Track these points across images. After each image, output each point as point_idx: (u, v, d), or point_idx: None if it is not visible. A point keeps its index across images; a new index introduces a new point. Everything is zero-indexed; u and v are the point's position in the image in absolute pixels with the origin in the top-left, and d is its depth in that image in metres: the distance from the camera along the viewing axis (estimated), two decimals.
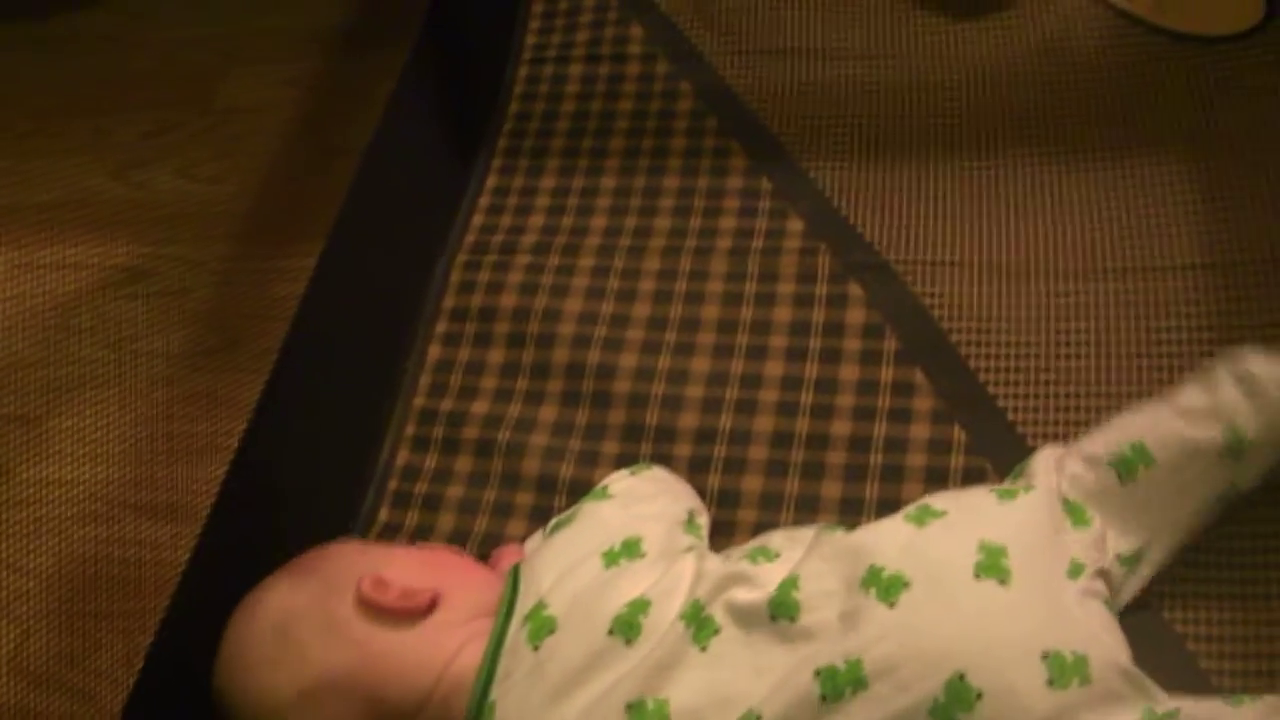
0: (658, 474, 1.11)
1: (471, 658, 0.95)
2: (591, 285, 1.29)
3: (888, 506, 1.07)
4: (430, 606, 0.98)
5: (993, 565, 0.87)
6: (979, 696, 0.82)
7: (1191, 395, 0.97)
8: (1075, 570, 0.90)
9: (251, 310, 1.60)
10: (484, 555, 1.13)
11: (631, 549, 0.98)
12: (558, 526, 1.04)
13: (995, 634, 0.84)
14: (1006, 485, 0.99)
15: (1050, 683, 0.82)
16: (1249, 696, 0.87)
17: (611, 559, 0.97)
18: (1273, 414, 0.95)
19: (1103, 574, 0.93)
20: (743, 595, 0.91)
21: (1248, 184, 1.20)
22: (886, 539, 0.91)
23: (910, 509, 0.95)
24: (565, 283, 1.30)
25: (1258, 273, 1.14)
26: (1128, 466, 0.96)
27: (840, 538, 0.94)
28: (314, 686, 0.94)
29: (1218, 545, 0.98)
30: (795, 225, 1.29)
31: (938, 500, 0.96)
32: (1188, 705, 0.86)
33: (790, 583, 0.90)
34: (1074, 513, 0.95)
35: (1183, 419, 0.96)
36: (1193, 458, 0.95)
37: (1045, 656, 0.83)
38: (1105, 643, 0.86)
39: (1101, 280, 1.18)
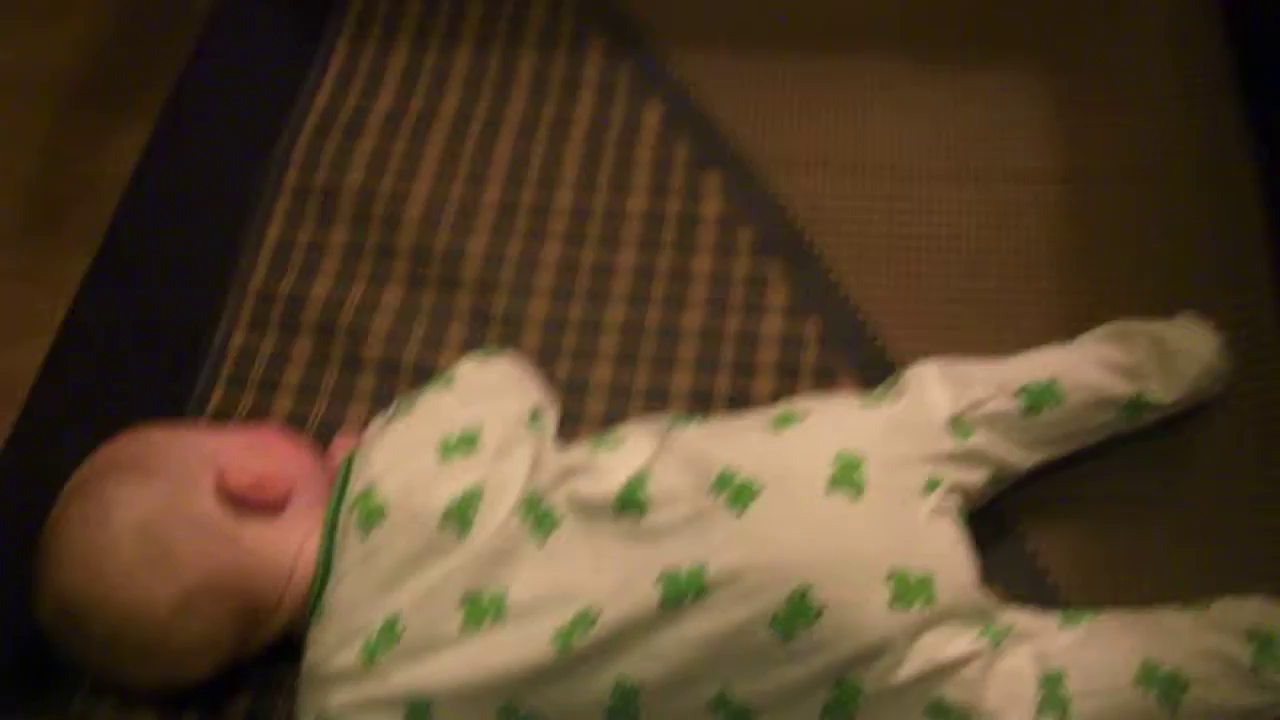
0: (507, 364, 1.08)
1: (312, 550, 0.93)
2: (440, 169, 1.25)
3: (738, 400, 1.08)
4: (288, 497, 0.94)
5: (846, 478, 0.86)
6: (820, 613, 0.82)
7: (1111, 350, 0.98)
8: (931, 485, 0.90)
9: (77, 187, 1.53)
10: (323, 440, 1.09)
11: (469, 442, 0.95)
12: (395, 414, 1.00)
13: (842, 551, 0.84)
14: (874, 392, 0.98)
15: (893, 601, 0.82)
16: (1087, 615, 0.90)
17: (447, 451, 0.95)
18: (1179, 386, 0.97)
19: (959, 488, 0.92)
20: (586, 488, 0.89)
21: (1099, 93, 1.21)
22: (741, 442, 0.90)
23: (772, 411, 0.94)
24: (413, 165, 1.25)
25: (1102, 185, 1.16)
26: (1035, 401, 0.95)
27: (694, 437, 0.92)
28: (191, 590, 0.89)
29: (1078, 463, 1.00)
30: (653, 116, 1.26)
31: (800, 403, 0.95)
32: (1022, 621, 0.88)
33: (639, 479, 0.88)
34: (959, 428, 0.94)
35: (1099, 370, 0.97)
36: (1098, 408, 0.96)
37: (891, 576, 0.83)
38: (952, 562, 0.87)
39: (953, 184, 1.18)
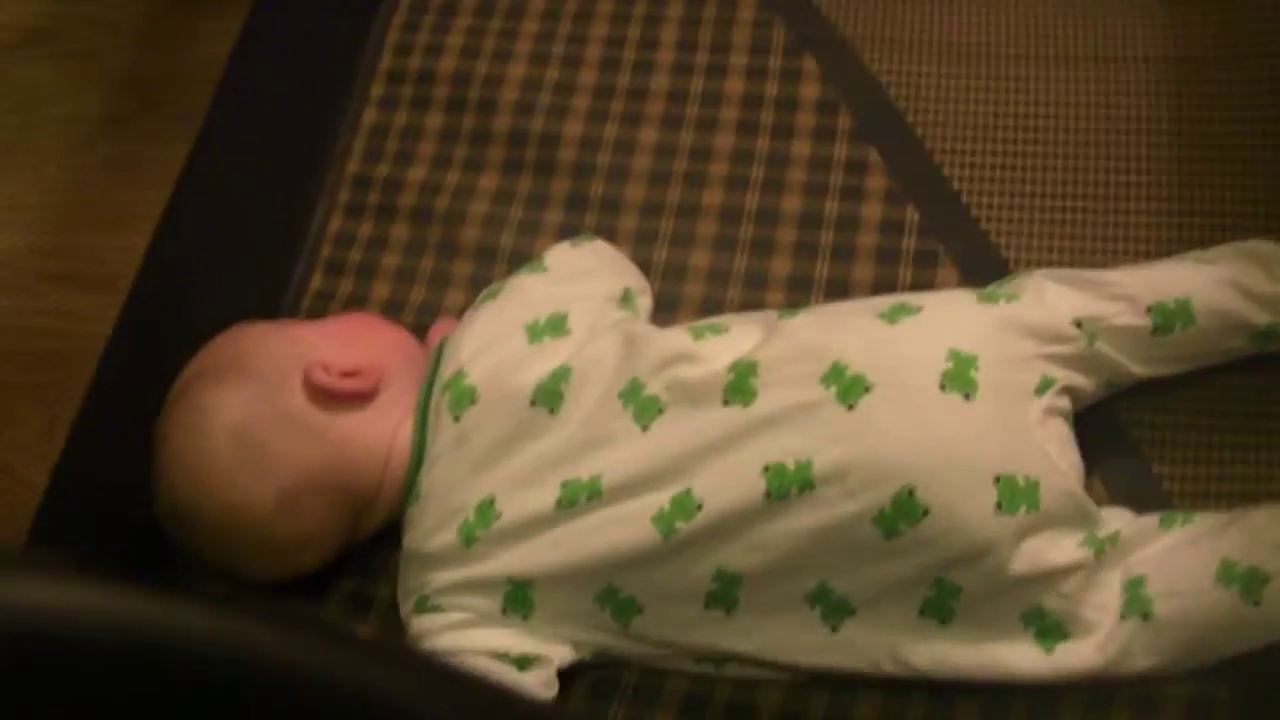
0: (600, 247, 1.07)
1: (406, 436, 0.94)
2: (535, 50, 1.23)
3: (837, 286, 1.06)
4: (377, 386, 0.95)
5: (960, 376, 0.84)
6: (925, 513, 0.81)
7: (1250, 274, 0.93)
8: (1044, 385, 0.88)
9: (172, 72, 1.53)
10: (420, 325, 1.10)
11: (557, 325, 0.95)
12: (485, 298, 1.00)
13: (951, 452, 0.83)
14: (992, 288, 0.95)
15: (999, 506, 0.81)
16: (1180, 518, 0.88)
17: (535, 334, 0.95)
18: None
19: (1071, 390, 0.90)
20: (691, 373, 0.88)
21: None
22: (853, 333, 0.89)
23: (884, 303, 0.92)
24: (508, 47, 1.24)
25: (1217, 69, 1.12)
26: (1167, 320, 0.92)
27: (803, 325, 0.91)
28: (290, 488, 0.91)
29: None
30: None
31: (916, 297, 0.93)
32: (1124, 527, 0.87)
33: (748, 365, 0.87)
34: (1082, 329, 0.91)
35: (1238, 295, 0.92)
36: (1230, 333, 0.93)
37: (998, 480, 0.82)
38: (1059, 468, 0.85)
39: (1061, 66, 1.15)
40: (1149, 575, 0.84)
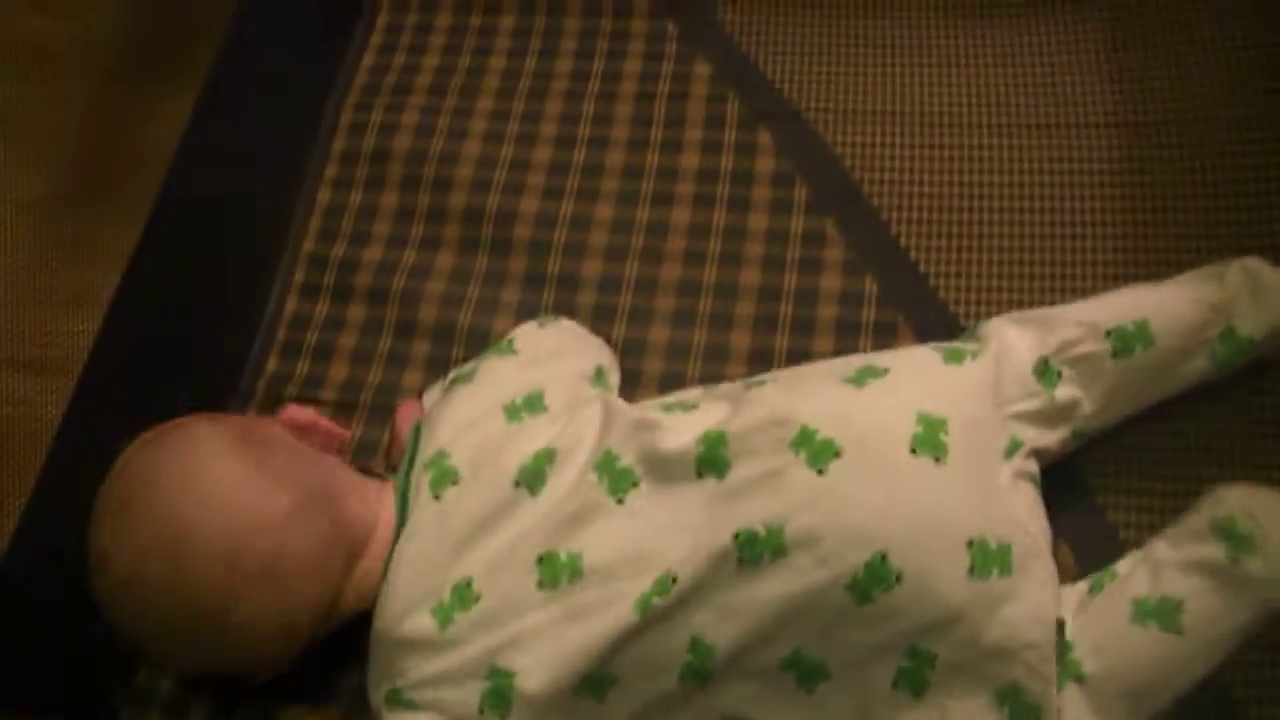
0: (566, 326, 1.07)
1: (390, 511, 0.92)
2: (490, 129, 1.23)
3: (797, 358, 1.06)
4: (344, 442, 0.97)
5: (930, 440, 0.84)
6: (898, 579, 0.80)
7: (1201, 286, 0.94)
8: (1013, 448, 0.88)
9: (125, 154, 1.52)
10: (378, 405, 1.09)
11: (534, 403, 0.94)
12: (456, 382, 0.99)
13: (924, 517, 0.82)
14: (955, 345, 0.94)
15: (971, 571, 0.81)
16: (1108, 574, 0.88)
17: (514, 414, 0.93)
18: (1269, 322, 0.93)
19: (1039, 451, 0.90)
20: (665, 445, 0.87)
21: (1162, 43, 1.18)
22: (820, 397, 0.88)
23: (850, 366, 0.91)
24: (462, 125, 1.24)
25: (1169, 133, 1.13)
26: (1126, 342, 0.92)
27: (770, 393, 0.90)
28: (298, 499, 0.88)
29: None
30: (703, 70, 1.24)
31: (881, 358, 0.92)
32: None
33: (718, 439, 0.86)
34: (1044, 374, 0.91)
35: (1193, 305, 0.93)
36: (1189, 350, 0.93)
37: (970, 544, 0.81)
38: (1030, 531, 0.85)
39: (1014, 134, 1.16)
40: (1074, 640, 0.84)
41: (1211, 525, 0.84)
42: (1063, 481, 0.94)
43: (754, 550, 0.82)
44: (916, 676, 0.82)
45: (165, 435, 0.91)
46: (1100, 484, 0.97)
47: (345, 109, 1.28)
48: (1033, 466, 0.90)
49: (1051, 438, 0.91)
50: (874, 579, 0.80)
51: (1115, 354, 0.92)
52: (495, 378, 0.98)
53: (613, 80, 1.25)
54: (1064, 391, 0.91)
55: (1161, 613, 0.83)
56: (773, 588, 0.82)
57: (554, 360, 1.00)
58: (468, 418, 0.94)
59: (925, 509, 0.82)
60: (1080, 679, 0.83)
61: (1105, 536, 0.95)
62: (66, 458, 1.09)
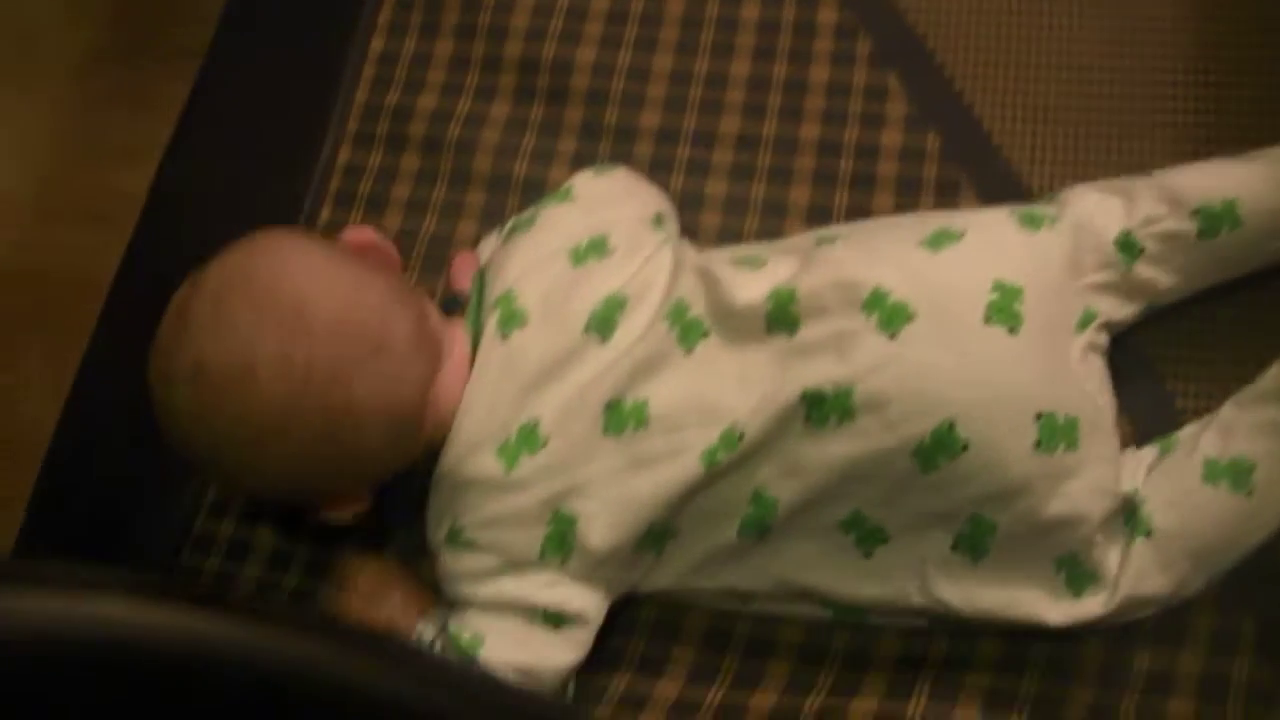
0: (624, 175, 1.05)
1: (462, 345, 0.90)
2: None
3: (856, 215, 1.04)
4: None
5: (1005, 309, 0.82)
6: (965, 448, 0.80)
7: None
8: (1086, 320, 0.87)
9: (174, 4, 1.50)
10: (433, 255, 1.08)
11: (598, 247, 0.93)
12: (516, 229, 0.97)
13: (995, 387, 0.81)
14: (1032, 209, 0.92)
15: (1038, 444, 0.80)
16: (1175, 438, 0.88)
17: (579, 258, 0.92)
18: None
19: (1111, 324, 0.90)
20: (737, 300, 0.87)
21: None
22: (894, 259, 0.86)
23: (925, 227, 0.89)
24: None
25: None
26: (1212, 222, 0.89)
27: (843, 253, 0.88)
28: (388, 301, 0.88)
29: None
30: None
31: (956, 220, 0.90)
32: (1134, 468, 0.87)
33: (788, 296, 0.85)
34: (1126, 247, 0.90)
35: (1278, 189, 0.90)
36: (1275, 233, 0.90)
37: (1039, 417, 0.80)
38: (1098, 406, 0.84)
39: None
40: (1145, 496, 0.84)
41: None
42: (1122, 352, 0.92)
43: (821, 411, 0.82)
44: (976, 542, 0.83)
45: (245, 242, 0.88)
46: (1160, 354, 0.96)
47: None
48: (1103, 339, 0.89)
49: (1126, 310, 0.90)
50: (940, 447, 0.80)
51: (1200, 234, 0.90)
52: (556, 223, 0.96)
53: None
54: (1144, 268, 0.90)
55: (1233, 473, 0.83)
56: (838, 449, 0.82)
57: (614, 206, 0.98)
58: (531, 261, 0.93)
59: (996, 379, 0.81)
60: (1149, 533, 0.83)
61: (1164, 407, 0.94)
62: (122, 309, 1.10)
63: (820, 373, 0.82)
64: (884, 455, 0.81)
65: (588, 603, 0.87)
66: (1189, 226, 0.90)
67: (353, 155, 1.16)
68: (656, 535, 0.86)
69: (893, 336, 0.82)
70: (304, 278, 0.85)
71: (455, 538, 0.87)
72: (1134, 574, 0.83)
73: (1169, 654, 0.85)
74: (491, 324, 0.89)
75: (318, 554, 0.99)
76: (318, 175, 1.16)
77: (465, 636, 0.86)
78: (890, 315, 0.82)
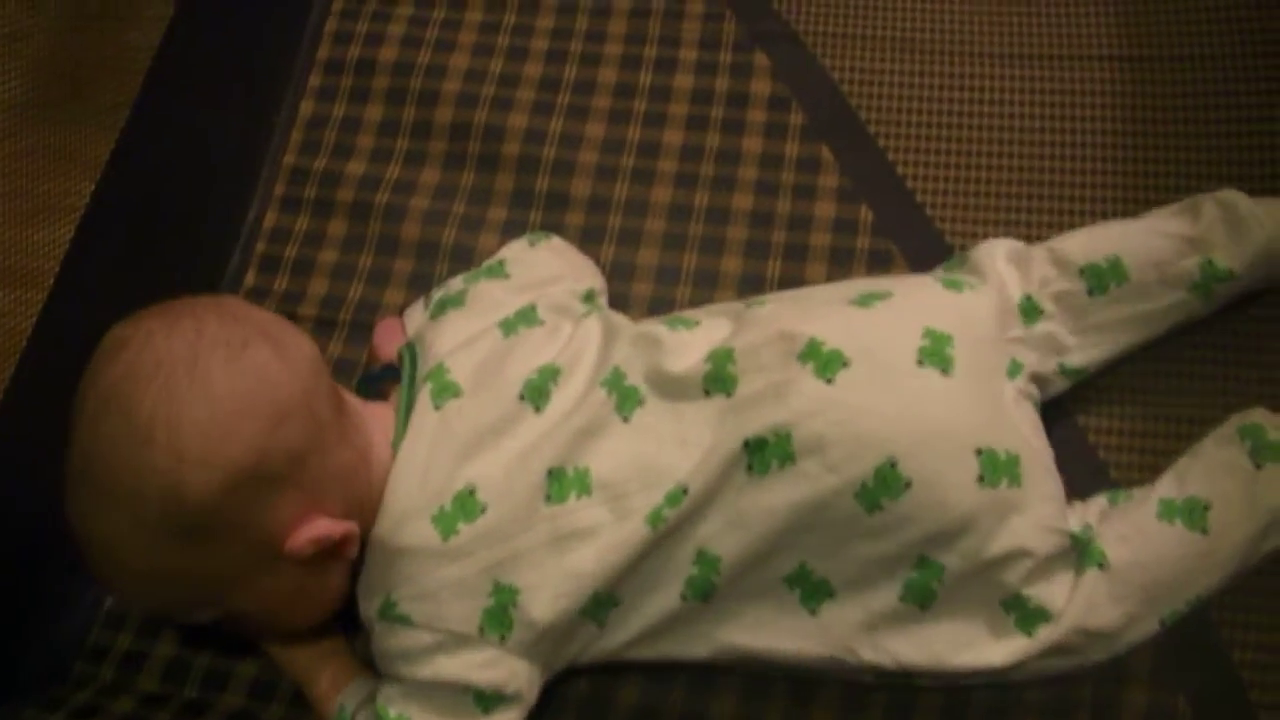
0: (558, 246, 1.04)
1: (387, 435, 0.87)
2: (479, 41, 1.20)
3: (790, 284, 1.04)
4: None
5: (937, 353, 0.83)
6: (908, 485, 0.79)
7: (1174, 221, 0.94)
8: (1014, 370, 0.88)
9: (102, 58, 1.48)
10: (359, 323, 1.06)
11: (526, 316, 0.92)
12: (445, 305, 0.95)
13: (932, 423, 0.81)
14: (952, 275, 0.94)
15: (980, 479, 0.80)
16: (1123, 494, 0.89)
17: (509, 328, 0.91)
18: (1250, 252, 0.92)
19: (1037, 378, 0.90)
20: (672, 365, 0.86)
21: None
22: (827, 317, 0.87)
23: (853, 290, 0.90)
24: (451, 37, 1.20)
25: (1172, 68, 1.11)
26: (1100, 279, 0.91)
27: (774, 312, 0.89)
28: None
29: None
30: None
31: (883, 283, 0.91)
32: (1090, 516, 0.87)
33: (725, 355, 0.85)
34: (1028, 311, 0.91)
35: (1164, 241, 0.92)
36: (1165, 284, 0.92)
37: (979, 452, 0.80)
38: (1035, 447, 0.85)
39: (1016, 65, 1.13)
40: (1098, 532, 0.85)
41: (1240, 431, 0.86)
42: (1054, 421, 0.93)
43: (763, 457, 0.81)
44: (924, 588, 0.82)
45: (143, 338, 0.81)
46: (1092, 424, 0.96)
47: (331, 15, 1.24)
48: (1034, 390, 0.89)
49: (1046, 365, 0.91)
50: (883, 486, 0.79)
51: (1091, 291, 0.91)
52: (488, 300, 0.95)
53: None
54: (1044, 327, 0.91)
55: (1188, 511, 0.84)
56: (781, 495, 0.81)
57: (547, 285, 0.97)
58: (464, 336, 0.91)
59: (934, 416, 0.81)
60: (1102, 565, 0.83)
61: (1098, 473, 0.94)
62: (37, 369, 1.07)
63: (760, 420, 0.82)
64: (827, 498, 0.80)
65: (524, 682, 0.84)
66: (1079, 285, 0.91)
67: (279, 219, 1.14)
68: (600, 603, 0.84)
69: (829, 381, 0.82)
70: (176, 407, 0.76)
71: (389, 611, 0.83)
72: (1084, 604, 0.82)
73: None
74: (424, 396, 0.87)
75: (216, 664, 0.95)
76: (243, 238, 1.14)
77: (392, 714, 0.83)
78: (826, 363, 0.82)
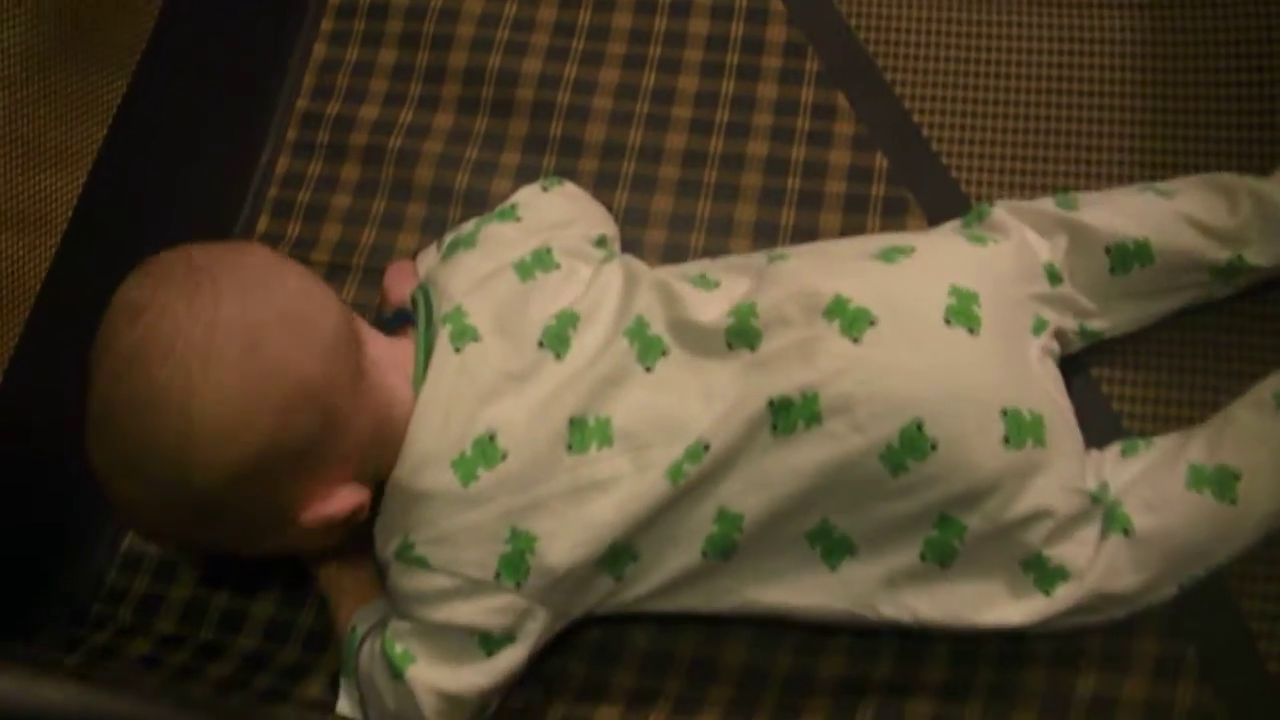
0: (571, 192, 1.03)
1: (407, 374, 0.86)
2: None
3: (803, 233, 1.04)
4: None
5: (964, 311, 0.82)
6: (934, 447, 0.79)
7: (1210, 208, 0.92)
8: (1039, 326, 0.87)
9: (111, 3, 1.47)
10: (372, 268, 1.07)
11: (542, 260, 0.91)
12: (457, 245, 0.95)
13: (960, 384, 0.81)
14: (973, 229, 0.93)
15: (1006, 440, 0.80)
16: (1142, 442, 0.88)
17: (525, 271, 0.90)
18: None
19: (1059, 334, 0.90)
20: (697, 317, 0.86)
21: None
22: (850, 271, 0.86)
23: (876, 244, 0.89)
24: None
25: (1195, 15, 1.09)
26: (1124, 259, 0.90)
27: (797, 267, 0.88)
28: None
29: None
30: None
31: (906, 238, 0.91)
32: (1106, 471, 0.86)
33: (748, 309, 0.85)
34: (1051, 274, 0.91)
35: (1197, 233, 0.91)
36: (1190, 270, 0.91)
37: (1005, 414, 0.80)
38: (1060, 404, 0.84)
39: (1034, 10, 1.12)
40: (1124, 496, 0.84)
41: (1276, 397, 0.85)
42: (1069, 373, 0.92)
43: (788, 417, 0.81)
44: (944, 547, 0.82)
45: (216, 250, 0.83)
46: (1105, 374, 0.96)
47: None
48: (1056, 347, 0.89)
49: (1068, 323, 0.90)
50: (909, 448, 0.79)
51: (1113, 270, 0.91)
52: (499, 241, 0.94)
53: None
54: (1066, 289, 0.91)
55: (1219, 480, 0.83)
56: (807, 455, 0.80)
57: (558, 224, 0.97)
58: (479, 276, 0.90)
59: (961, 377, 0.81)
60: (1128, 531, 0.82)
61: (1111, 424, 0.94)
62: (51, 315, 1.07)
63: (786, 380, 0.81)
64: (853, 459, 0.80)
65: (537, 628, 0.84)
66: (1102, 262, 0.91)
67: (292, 164, 1.14)
68: (617, 556, 0.84)
69: (856, 340, 0.81)
70: (186, 396, 0.75)
71: (406, 553, 0.83)
72: (1105, 568, 0.82)
73: (1112, 681, 0.84)
74: (443, 338, 0.86)
75: (233, 605, 0.96)
76: (255, 183, 1.14)
77: (398, 649, 0.84)
78: (852, 320, 0.82)
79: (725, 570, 0.84)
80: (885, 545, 0.83)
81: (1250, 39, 1.07)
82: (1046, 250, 0.91)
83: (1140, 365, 0.96)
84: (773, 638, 0.89)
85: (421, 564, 0.83)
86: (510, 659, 0.84)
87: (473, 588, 0.83)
